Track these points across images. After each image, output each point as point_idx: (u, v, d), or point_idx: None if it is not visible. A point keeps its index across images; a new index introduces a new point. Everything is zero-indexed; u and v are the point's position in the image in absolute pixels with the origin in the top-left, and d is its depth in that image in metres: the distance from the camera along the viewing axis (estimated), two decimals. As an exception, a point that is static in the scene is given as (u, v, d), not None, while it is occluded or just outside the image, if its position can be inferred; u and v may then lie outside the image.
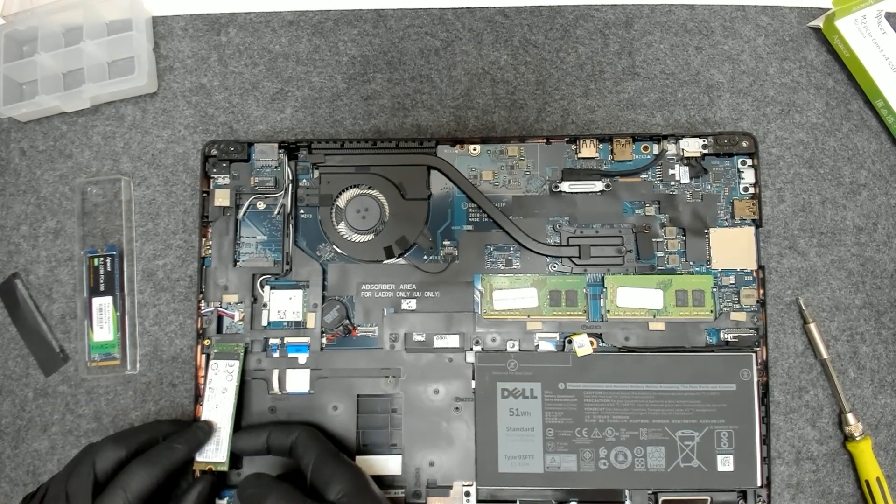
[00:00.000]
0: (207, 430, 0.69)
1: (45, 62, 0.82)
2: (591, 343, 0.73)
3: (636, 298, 0.74)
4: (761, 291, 0.74)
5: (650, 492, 0.71)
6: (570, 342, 0.73)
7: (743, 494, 0.71)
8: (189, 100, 0.83)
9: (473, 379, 0.73)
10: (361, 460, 0.72)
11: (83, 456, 0.61)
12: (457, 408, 0.73)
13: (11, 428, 0.79)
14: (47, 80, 0.82)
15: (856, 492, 0.76)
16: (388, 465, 0.72)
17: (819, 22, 0.82)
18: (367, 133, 0.82)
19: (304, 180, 0.77)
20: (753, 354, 0.72)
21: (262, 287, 0.75)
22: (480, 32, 0.84)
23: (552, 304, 0.74)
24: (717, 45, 0.83)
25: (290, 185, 0.76)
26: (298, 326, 0.74)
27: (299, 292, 0.75)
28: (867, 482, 0.74)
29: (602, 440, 0.71)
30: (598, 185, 0.75)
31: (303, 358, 0.73)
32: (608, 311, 0.74)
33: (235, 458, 0.72)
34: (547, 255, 0.75)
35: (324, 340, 0.74)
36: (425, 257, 0.76)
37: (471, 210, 0.76)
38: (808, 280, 0.78)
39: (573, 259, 0.75)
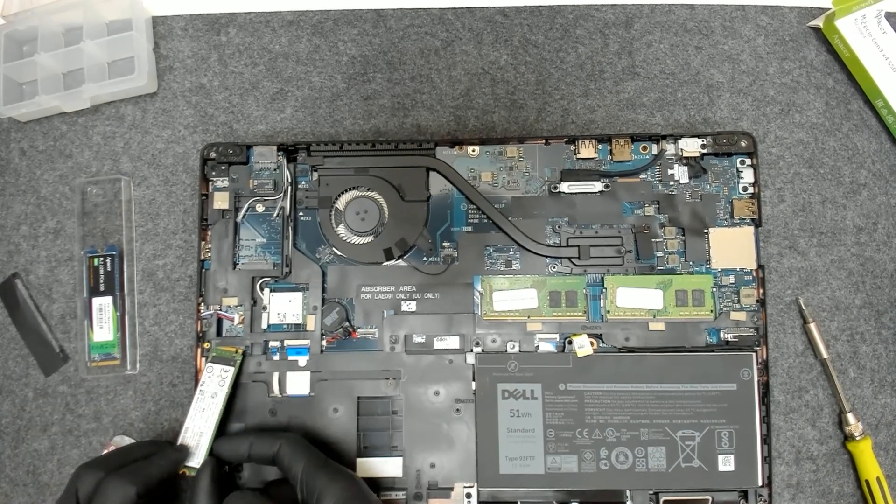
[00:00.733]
0: (185, 451, 0.68)
1: (45, 62, 0.82)
2: (592, 343, 0.73)
3: (636, 299, 0.74)
4: (761, 291, 0.74)
5: (651, 492, 0.71)
6: (570, 343, 0.73)
7: (744, 494, 0.71)
8: (189, 100, 0.83)
9: (474, 380, 0.73)
10: (362, 462, 0.72)
11: (69, 484, 0.61)
12: (457, 409, 0.73)
13: (11, 428, 0.79)
14: (47, 80, 0.81)
15: (856, 491, 0.76)
16: (389, 467, 0.72)
17: (819, 22, 0.82)
18: (366, 133, 0.82)
19: (304, 182, 0.77)
20: (753, 354, 0.72)
21: (261, 290, 0.75)
22: (480, 32, 0.83)
23: (552, 305, 0.74)
24: (716, 44, 0.83)
25: (289, 187, 0.76)
26: (298, 329, 0.74)
27: (299, 295, 0.75)
28: (867, 482, 0.74)
29: (603, 441, 0.71)
30: (598, 186, 0.75)
31: (303, 360, 0.73)
32: (608, 312, 0.74)
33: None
34: (546, 256, 0.75)
35: (324, 343, 0.74)
36: (425, 259, 0.76)
37: (470, 211, 0.76)
38: (808, 280, 0.78)
39: (573, 260, 0.75)
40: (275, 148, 0.76)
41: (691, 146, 0.75)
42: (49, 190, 0.82)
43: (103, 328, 0.78)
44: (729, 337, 0.73)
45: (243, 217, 0.76)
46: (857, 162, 0.80)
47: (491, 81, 0.83)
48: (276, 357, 0.74)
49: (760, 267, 0.74)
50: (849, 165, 0.80)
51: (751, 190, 0.75)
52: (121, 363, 0.78)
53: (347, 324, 0.74)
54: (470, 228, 0.76)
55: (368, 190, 0.76)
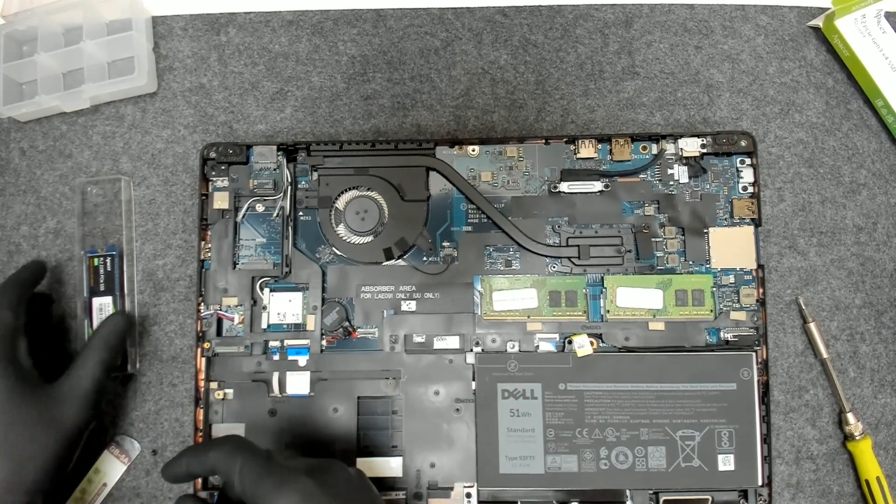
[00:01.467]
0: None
1: (45, 62, 0.82)
2: (592, 343, 0.73)
3: (636, 298, 0.74)
4: (761, 291, 0.74)
5: (651, 492, 0.71)
6: (570, 343, 0.73)
7: (744, 494, 0.71)
8: (189, 100, 0.83)
9: (474, 380, 0.73)
10: (362, 462, 0.72)
11: None
12: (457, 409, 0.73)
13: (12, 428, 0.79)
14: (47, 80, 0.81)
15: (856, 491, 0.76)
16: (389, 466, 0.72)
17: (819, 21, 0.82)
18: (366, 133, 0.82)
19: (303, 182, 0.77)
20: (753, 354, 0.72)
21: (261, 289, 0.75)
22: (480, 32, 0.83)
23: (552, 305, 0.74)
24: (716, 44, 0.83)
25: (289, 187, 0.76)
26: (298, 329, 0.74)
27: (299, 294, 0.75)
28: (867, 482, 0.74)
29: (603, 440, 0.71)
30: (597, 186, 0.75)
31: (303, 360, 0.73)
32: (608, 312, 0.74)
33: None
34: (546, 256, 0.75)
35: (324, 343, 0.74)
36: (425, 259, 0.76)
37: (470, 211, 0.76)
38: (808, 279, 0.78)
39: (573, 259, 0.75)
40: (275, 148, 0.76)
41: (691, 146, 0.75)
42: (49, 190, 0.82)
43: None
44: (729, 337, 0.73)
45: (243, 217, 0.76)
46: (856, 162, 0.80)
47: (491, 81, 0.83)
48: (276, 357, 0.74)
49: (760, 267, 0.74)
50: (849, 165, 0.80)
51: (751, 190, 0.75)
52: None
53: (347, 324, 0.74)
54: (470, 228, 0.76)
55: (368, 190, 0.76)
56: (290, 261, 0.75)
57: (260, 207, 0.76)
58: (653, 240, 0.75)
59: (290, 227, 0.76)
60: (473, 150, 0.77)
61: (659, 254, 0.75)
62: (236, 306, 0.75)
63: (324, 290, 0.75)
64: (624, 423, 0.72)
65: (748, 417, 0.71)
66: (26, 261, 0.81)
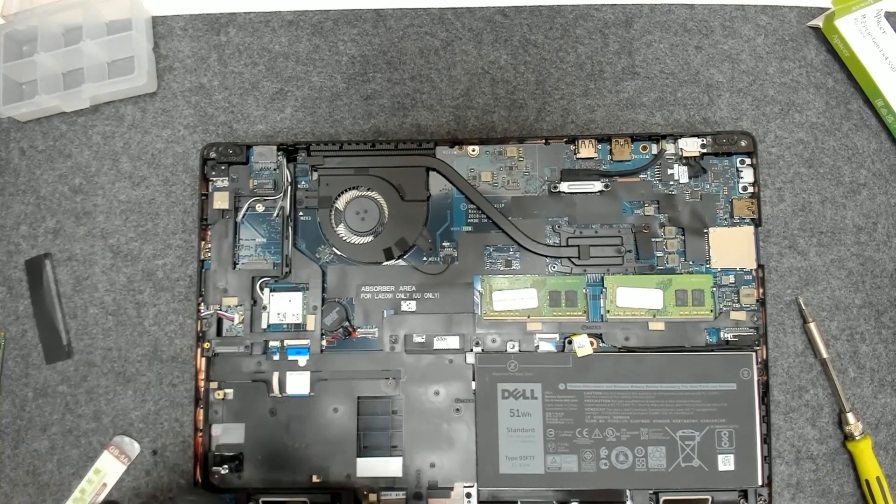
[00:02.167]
0: None
1: (45, 62, 0.82)
2: (592, 343, 0.73)
3: (636, 298, 0.74)
4: (761, 291, 0.74)
5: (651, 492, 0.71)
6: (570, 343, 0.73)
7: (744, 494, 0.71)
8: (189, 100, 0.83)
9: (474, 380, 0.73)
10: (362, 462, 0.72)
11: None
12: (457, 409, 0.73)
13: (11, 428, 0.79)
14: (47, 80, 0.81)
15: (856, 491, 0.76)
16: (389, 466, 0.72)
17: (819, 21, 0.82)
18: (366, 133, 0.82)
19: (303, 182, 0.77)
20: (753, 354, 0.72)
21: (261, 289, 0.75)
22: (480, 32, 0.83)
23: (552, 305, 0.74)
24: (716, 44, 0.83)
25: (289, 187, 0.76)
26: (298, 329, 0.74)
27: (299, 294, 0.75)
28: (867, 481, 0.74)
29: (603, 440, 0.71)
30: (597, 186, 0.75)
31: (303, 360, 0.73)
32: (608, 312, 0.74)
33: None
34: (546, 256, 0.75)
35: (324, 342, 0.74)
36: (425, 259, 0.76)
37: (470, 211, 0.76)
38: (808, 279, 0.78)
39: (573, 259, 0.75)
40: (275, 148, 0.76)
41: (691, 146, 0.75)
42: (49, 190, 0.82)
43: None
44: (729, 337, 0.73)
45: (243, 217, 0.76)
46: (856, 162, 0.80)
47: (491, 81, 0.83)
48: (276, 357, 0.74)
49: (760, 267, 0.74)
50: (849, 165, 0.80)
51: (751, 190, 0.75)
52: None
53: (347, 324, 0.74)
54: (470, 228, 0.76)
55: (368, 190, 0.76)
56: (290, 261, 0.75)
57: (260, 207, 0.76)
58: (653, 240, 0.75)
59: (290, 227, 0.76)
60: (473, 150, 0.77)
61: (659, 254, 0.75)
62: (236, 306, 0.75)
63: (324, 290, 0.75)
64: (624, 423, 0.72)
65: (748, 417, 0.71)
66: (26, 260, 0.81)
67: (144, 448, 0.77)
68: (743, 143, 0.75)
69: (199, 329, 0.74)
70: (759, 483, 0.71)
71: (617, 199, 0.76)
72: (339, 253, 0.75)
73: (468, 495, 0.71)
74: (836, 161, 0.80)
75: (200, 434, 0.73)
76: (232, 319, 0.74)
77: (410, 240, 0.75)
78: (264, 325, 0.75)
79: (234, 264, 0.75)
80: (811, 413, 0.77)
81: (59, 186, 0.82)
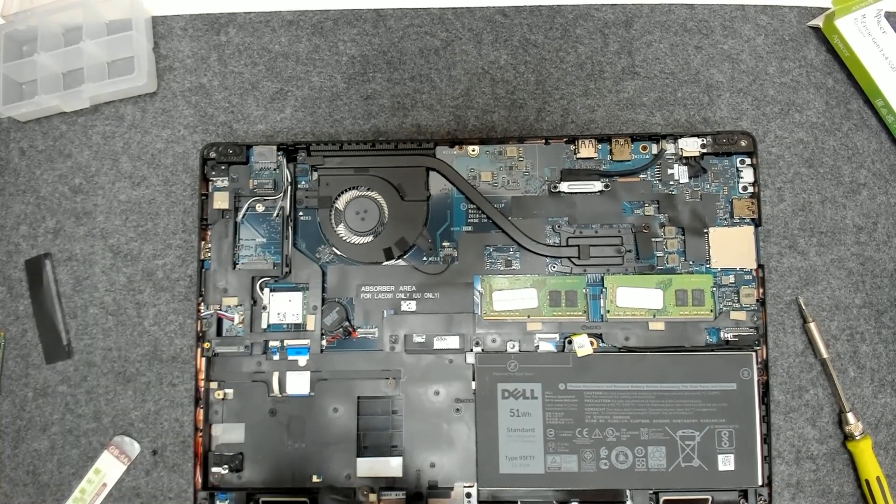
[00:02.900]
0: None
1: (45, 62, 0.82)
2: (592, 343, 0.73)
3: (636, 298, 0.74)
4: (761, 291, 0.74)
5: (651, 492, 0.71)
6: (570, 342, 0.73)
7: (744, 494, 0.71)
8: (189, 100, 0.83)
9: (474, 380, 0.73)
10: (362, 462, 0.72)
11: None
12: (457, 409, 0.73)
13: (11, 428, 0.79)
14: (47, 80, 0.81)
15: (856, 491, 0.76)
16: (389, 466, 0.72)
17: (819, 21, 0.82)
18: (366, 133, 0.82)
19: (303, 182, 0.77)
20: (753, 354, 0.72)
21: (261, 289, 0.75)
22: (480, 32, 0.83)
23: (552, 305, 0.74)
24: (716, 44, 0.83)
25: (289, 187, 0.76)
26: (298, 329, 0.74)
27: (299, 294, 0.75)
28: (867, 481, 0.74)
29: (603, 440, 0.71)
30: (597, 186, 0.75)
31: (303, 360, 0.73)
32: (608, 311, 0.74)
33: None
34: (546, 256, 0.75)
35: (324, 342, 0.74)
36: (425, 259, 0.76)
37: (470, 211, 0.76)
38: (808, 279, 0.78)
39: (573, 259, 0.75)
40: (275, 148, 0.76)
41: (691, 146, 0.75)
42: (48, 190, 0.82)
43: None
44: (729, 336, 0.73)
45: (243, 217, 0.76)
46: (856, 162, 0.80)
47: (491, 81, 0.83)
48: (276, 357, 0.74)
49: (760, 266, 0.74)
50: (849, 165, 0.80)
51: (751, 189, 0.75)
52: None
53: (347, 323, 0.74)
54: (470, 228, 0.76)
55: (368, 190, 0.76)
56: (290, 261, 0.75)
57: (260, 207, 0.76)
58: (653, 240, 0.75)
59: (290, 227, 0.76)
60: (473, 150, 0.77)
61: (659, 254, 0.75)
62: (236, 306, 0.75)
63: (324, 290, 0.75)
64: (624, 423, 0.72)
65: (748, 417, 0.71)
66: (26, 260, 0.81)
67: (144, 448, 0.77)
68: (743, 143, 0.75)
69: (199, 329, 0.74)
70: (759, 483, 0.71)
71: (617, 199, 0.76)
72: (339, 253, 0.75)
73: (468, 495, 0.71)
74: (836, 161, 0.80)
75: (200, 434, 0.73)
76: (232, 319, 0.74)
77: (410, 240, 0.75)
78: (264, 325, 0.74)
79: (234, 264, 0.75)
80: (811, 413, 0.77)
81: (59, 186, 0.82)
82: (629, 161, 0.76)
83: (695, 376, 0.72)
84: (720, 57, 0.83)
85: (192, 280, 0.79)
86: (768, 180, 0.80)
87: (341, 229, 0.75)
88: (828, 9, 0.81)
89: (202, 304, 0.75)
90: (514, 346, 0.74)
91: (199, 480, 0.72)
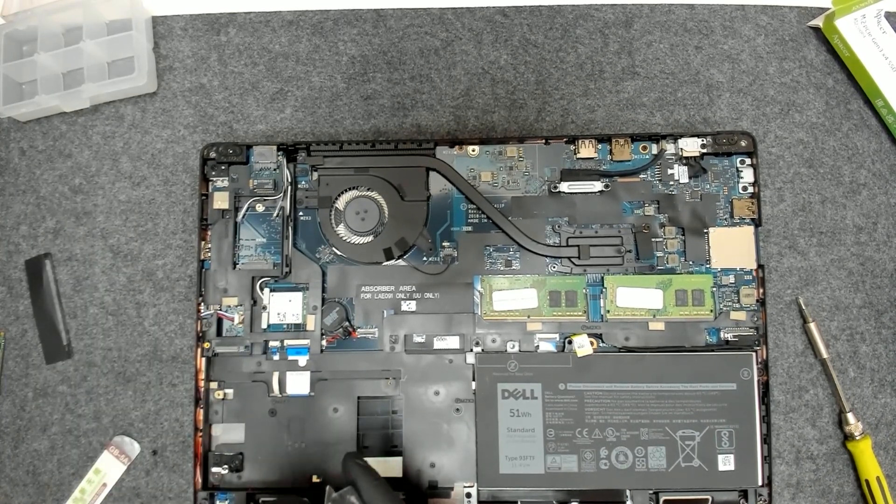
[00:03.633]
0: None
1: (45, 62, 0.82)
2: (592, 343, 0.73)
3: (636, 298, 0.74)
4: (761, 291, 0.74)
5: (651, 492, 0.71)
6: (570, 342, 0.73)
7: (744, 494, 0.71)
8: (189, 100, 0.83)
9: (474, 380, 0.73)
10: (362, 462, 0.72)
11: None
12: (457, 409, 0.73)
13: (11, 428, 0.79)
14: (47, 80, 0.81)
15: (856, 491, 0.76)
16: (389, 466, 0.72)
17: (819, 21, 0.82)
18: (366, 133, 0.82)
19: (303, 182, 0.77)
20: (753, 354, 0.72)
21: (261, 289, 0.75)
22: (480, 32, 0.83)
23: (552, 305, 0.74)
24: (716, 44, 0.83)
25: (289, 187, 0.76)
26: (298, 329, 0.74)
27: (299, 294, 0.75)
28: (867, 481, 0.74)
29: (603, 440, 0.71)
30: (597, 186, 0.75)
31: (303, 360, 0.73)
32: (608, 312, 0.74)
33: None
34: (546, 256, 0.75)
35: (324, 342, 0.74)
36: (425, 259, 0.76)
37: (470, 211, 0.76)
38: (808, 279, 0.78)
39: (573, 259, 0.75)
40: (275, 148, 0.76)
41: (691, 146, 0.75)
42: (49, 190, 0.82)
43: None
44: (729, 337, 0.73)
45: (243, 217, 0.76)
46: (857, 162, 0.80)
47: (491, 81, 0.83)
48: (276, 357, 0.74)
49: (760, 267, 0.74)
50: (849, 165, 0.80)
51: (751, 190, 0.75)
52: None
53: (347, 323, 0.74)
54: (470, 228, 0.76)
55: (368, 190, 0.76)
56: (290, 261, 0.75)
57: (260, 207, 0.76)
58: (653, 240, 0.75)
59: (290, 227, 0.76)
60: (473, 150, 0.77)
61: (659, 254, 0.75)
62: (236, 306, 0.75)
63: (324, 290, 0.75)
64: (624, 423, 0.72)
65: (748, 417, 0.71)
66: (26, 260, 0.81)
67: (144, 448, 0.77)
68: (743, 143, 0.75)
69: (199, 329, 0.74)
70: (759, 483, 0.71)
71: (617, 199, 0.76)
72: (339, 253, 0.75)
73: (468, 495, 0.71)
74: (836, 161, 0.80)
75: (200, 434, 0.73)
76: (232, 319, 0.74)
77: (410, 240, 0.75)
78: (264, 325, 0.74)
79: (234, 264, 0.75)
80: (811, 413, 0.77)
81: (59, 186, 0.82)
82: (629, 161, 0.76)
83: (695, 376, 0.72)
84: (720, 57, 0.83)
85: (192, 280, 0.79)
86: (768, 180, 0.80)
87: (341, 229, 0.75)
88: (828, 9, 0.81)
89: (202, 304, 0.75)
90: (514, 346, 0.74)
91: (199, 480, 0.72)
